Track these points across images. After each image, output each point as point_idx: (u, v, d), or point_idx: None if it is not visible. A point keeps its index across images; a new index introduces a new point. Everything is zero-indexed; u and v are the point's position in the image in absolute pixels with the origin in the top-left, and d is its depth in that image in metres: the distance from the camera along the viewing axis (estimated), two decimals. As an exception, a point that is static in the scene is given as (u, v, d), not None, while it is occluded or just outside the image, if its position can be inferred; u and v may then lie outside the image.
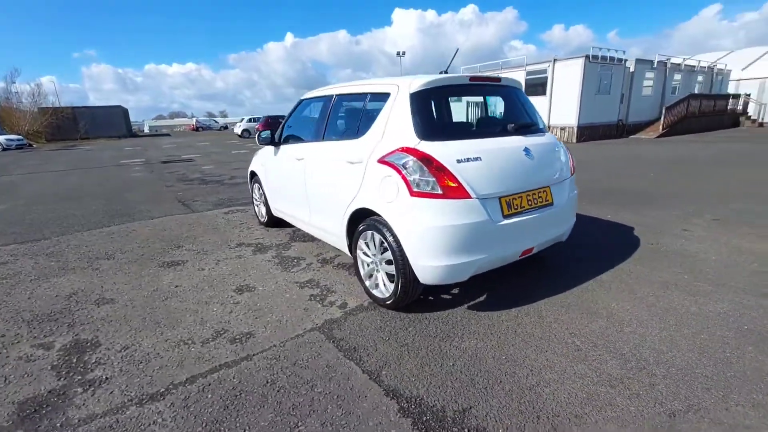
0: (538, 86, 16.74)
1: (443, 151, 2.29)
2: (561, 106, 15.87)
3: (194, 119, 51.37)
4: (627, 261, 3.38)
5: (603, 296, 2.77)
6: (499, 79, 2.89)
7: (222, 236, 4.46)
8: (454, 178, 2.23)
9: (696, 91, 20.08)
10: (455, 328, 2.42)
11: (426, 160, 2.26)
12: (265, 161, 4.27)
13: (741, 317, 2.44)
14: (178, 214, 5.61)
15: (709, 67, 21.57)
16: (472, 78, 2.70)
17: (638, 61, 17.17)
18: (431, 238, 2.25)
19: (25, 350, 2.33)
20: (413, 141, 2.35)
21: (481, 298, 2.79)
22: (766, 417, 1.67)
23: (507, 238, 2.45)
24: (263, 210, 4.66)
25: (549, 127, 16.46)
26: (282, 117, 24.64)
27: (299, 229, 4.58)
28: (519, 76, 17.22)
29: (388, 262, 2.54)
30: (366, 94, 2.89)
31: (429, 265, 2.29)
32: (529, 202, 2.57)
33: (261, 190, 4.53)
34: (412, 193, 2.27)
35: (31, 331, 2.54)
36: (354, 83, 3.14)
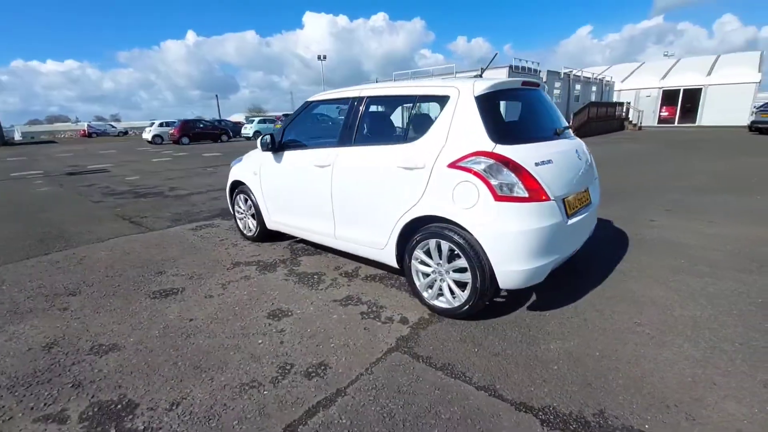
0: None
1: (521, 154, 2.27)
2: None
3: (86, 124, 44.62)
4: (629, 251, 3.72)
5: (635, 285, 3.00)
6: (538, 84, 2.97)
7: (207, 256, 3.90)
8: (535, 181, 2.23)
9: (592, 99, 23.24)
10: (532, 331, 2.42)
11: (508, 163, 2.22)
12: (259, 169, 3.84)
13: (750, 292, 2.84)
14: (132, 233, 4.78)
15: (599, 78, 25.11)
16: (524, 82, 2.74)
17: (549, 72, 19.30)
18: (518, 242, 2.21)
19: (28, 428, 1.75)
20: (488, 145, 2.29)
21: (533, 299, 2.84)
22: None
23: (571, 238, 2.53)
24: (251, 223, 4.20)
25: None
26: (201, 121, 22.79)
27: (297, 242, 4.22)
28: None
29: (458, 270, 2.44)
30: (413, 96, 2.75)
31: (514, 269, 2.25)
32: (579, 202, 2.68)
33: (250, 201, 4.07)
34: (497, 198, 2.21)
35: (21, 401, 1.92)
36: (391, 85, 2.98)
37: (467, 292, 2.42)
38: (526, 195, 2.19)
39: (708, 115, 26.95)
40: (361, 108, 2.99)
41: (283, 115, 19.80)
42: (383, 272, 3.36)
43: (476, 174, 2.25)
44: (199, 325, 2.58)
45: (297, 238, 4.37)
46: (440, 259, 2.51)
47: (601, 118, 22.58)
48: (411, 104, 2.78)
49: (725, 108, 25.92)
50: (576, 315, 2.59)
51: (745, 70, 26.32)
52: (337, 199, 3.07)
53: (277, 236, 4.40)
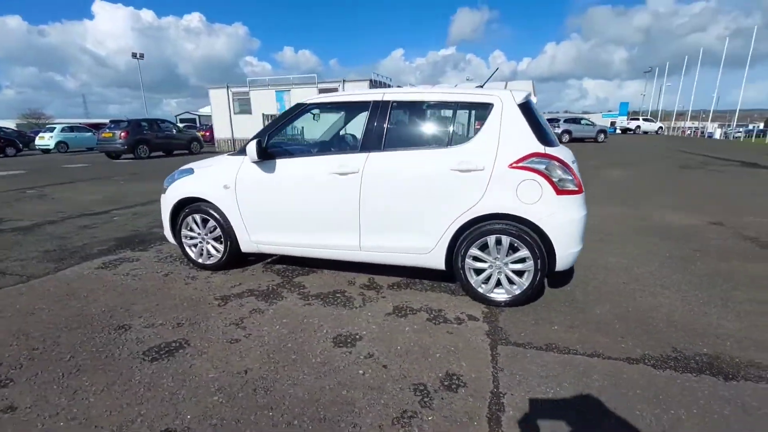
0: (332, 103, 18.22)
1: (563, 154, 2.67)
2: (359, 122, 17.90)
3: None
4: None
5: (592, 255, 3.82)
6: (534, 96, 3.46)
7: (169, 296, 3.04)
8: (578, 177, 2.66)
9: (429, 113, 26.97)
10: (574, 303, 2.84)
11: (561, 162, 2.59)
12: (234, 182, 3.21)
13: (660, 251, 4.00)
14: (9, 285, 3.27)
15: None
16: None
17: (398, 87, 21.51)
18: (574, 228, 2.60)
19: None
20: (539, 147, 2.61)
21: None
22: None
23: (583, 224, 3.09)
24: (213, 248, 3.47)
25: (346, 140, 18.31)
26: (144, 120, 16.53)
27: (269, 263, 3.70)
28: (311, 93, 18.22)
29: (517, 261, 2.68)
30: (450, 102, 2.83)
31: (571, 252, 2.63)
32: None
33: (214, 222, 3.36)
34: (558, 192, 2.55)
35: None
36: (420, 90, 2.96)
37: (527, 279, 2.68)
38: (576, 189, 2.61)
39: (424, 128, 34.89)
40: (387, 112, 2.91)
41: (111, 122, 16.09)
42: (401, 279, 3.32)
43: (539, 173, 2.55)
44: (265, 375, 2.07)
45: (269, 259, 3.83)
46: (498, 253, 2.71)
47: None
48: (444, 110, 2.88)
49: (433, 123, 34.01)
50: (587, 284, 3.17)
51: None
52: (366, 207, 2.89)
53: (247, 261, 3.78)
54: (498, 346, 2.32)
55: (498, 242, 2.68)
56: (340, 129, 3.90)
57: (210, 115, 34.59)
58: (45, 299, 3.01)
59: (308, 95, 18.14)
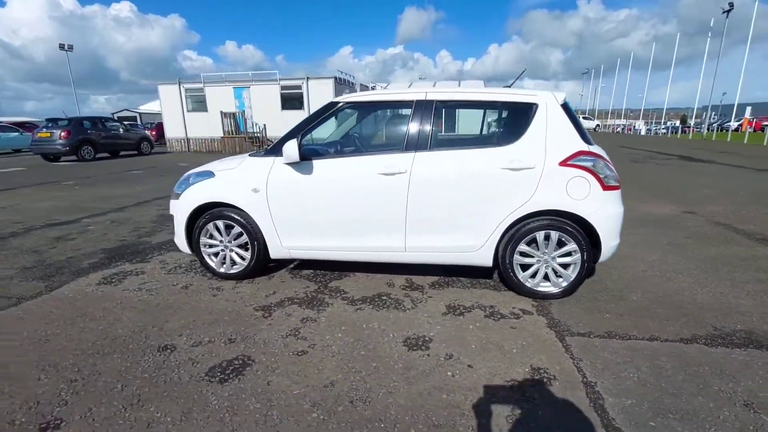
0: (295, 101, 17.74)
1: (603, 152, 2.82)
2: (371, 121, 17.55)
3: None
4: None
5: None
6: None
7: (207, 310, 2.81)
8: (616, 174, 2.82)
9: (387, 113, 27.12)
10: (610, 292, 3.02)
11: (605, 160, 2.73)
12: (265, 185, 3.03)
13: (660, 238, 4.36)
14: (0, 309, 2.84)
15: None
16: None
17: (361, 85, 21.37)
18: (617, 221, 2.76)
19: None
20: (584, 145, 2.73)
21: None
22: None
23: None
24: (239, 255, 3.26)
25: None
26: (86, 119, 13.97)
27: (295, 269, 3.55)
28: (273, 91, 17.62)
29: (564, 255, 2.80)
30: (495, 102, 2.86)
31: (614, 244, 2.79)
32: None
33: (240, 228, 3.15)
34: (604, 188, 2.68)
35: None
36: (462, 89, 2.97)
37: (574, 271, 2.81)
38: (617, 184, 2.77)
39: (461, 127, 35.91)
40: (431, 111, 2.89)
41: (48, 120, 14.40)
42: (438, 278, 3.32)
43: (588, 170, 2.67)
44: (354, 386, 1.99)
45: (291, 265, 3.67)
46: (546, 248, 2.81)
47: (399, 128, 26.73)
48: (485, 110, 2.91)
49: (472, 122, 35.14)
50: (611, 273, 3.38)
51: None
52: (414, 207, 2.86)
53: (271, 267, 3.58)
54: (565, 338, 2.41)
55: (546, 237, 2.78)
56: (376, 128, 3.81)
57: (154, 113, 32.26)
58: (53, 323, 2.65)
59: (269, 93, 17.57)
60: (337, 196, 2.98)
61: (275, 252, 3.21)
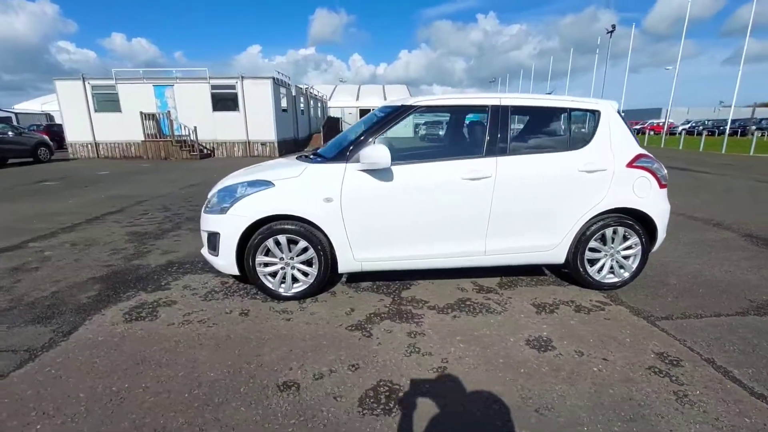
0: (229, 101, 16.42)
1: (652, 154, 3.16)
2: (258, 122, 16.48)
3: None
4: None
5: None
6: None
7: (296, 337, 2.51)
8: (665, 173, 3.19)
9: (319, 116, 26.59)
10: (653, 276, 3.40)
11: (659, 162, 3.06)
12: (339, 194, 2.79)
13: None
14: (17, 368, 2.16)
15: (322, 96, 28.93)
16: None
17: (297, 87, 20.60)
18: (668, 216, 3.12)
19: None
20: (640, 149, 3.04)
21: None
22: None
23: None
24: (301, 273, 2.97)
25: (249, 142, 16.80)
26: None
27: (352, 280, 3.36)
28: (203, 90, 16.12)
29: (627, 248, 3.08)
30: (565, 108, 3.01)
31: (664, 236, 3.15)
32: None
33: (315, 240, 2.86)
34: (661, 186, 3.02)
35: None
36: (532, 96, 3.03)
37: (634, 262, 3.11)
38: (666, 183, 3.13)
39: (390, 130, 36.66)
40: (507, 117, 2.95)
41: None
42: (500, 278, 3.40)
43: (649, 170, 2.98)
44: (524, 395, 1.96)
45: (342, 279, 3.43)
46: (613, 243, 3.06)
47: (335, 131, 26.38)
48: (555, 117, 3.07)
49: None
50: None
51: (403, 97, 37.49)
52: (497, 211, 2.90)
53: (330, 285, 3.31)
54: (656, 323, 2.66)
55: (614, 233, 3.04)
56: (447, 132, 3.71)
57: (34, 113, 27.16)
58: (109, 375, 2.13)
59: (198, 92, 16.14)
60: (420, 203, 2.89)
61: (345, 266, 2.98)
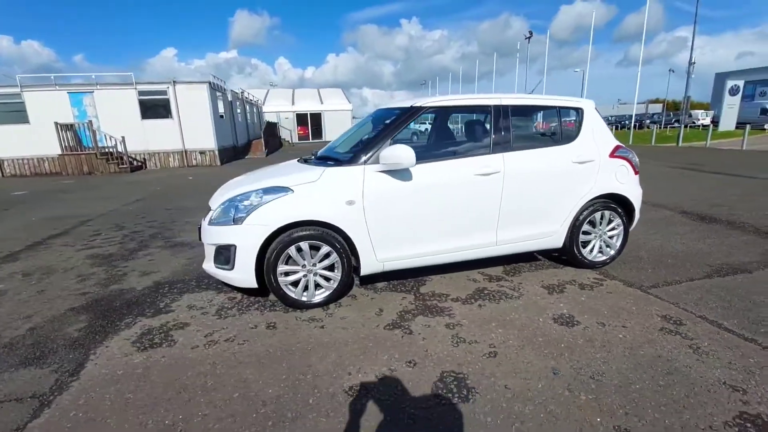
0: (160, 108, 15.13)
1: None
2: (195, 130, 15.40)
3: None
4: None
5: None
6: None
7: (337, 344, 2.47)
8: (634, 161, 3.64)
9: (255, 121, 25.59)
10: (643, 256, 3.86)
11: (632, 151, 3.49)
12: (361, 195, 2.80)
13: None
14: (41, 415, 1.86)
15: (257, 100, 27.81)
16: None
17: (232, 92, 19.59)
18: (641, 198, 3.57)
19: None
20: (616, 141, 3.44)
21: (581, 243, 4.25)
22: (672, 230, 4.72)
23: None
24: (324, 278, 2.93)
25: (185, 151, 15.67)
26: None
27: (367, 281, 3.38)
28: (128, 96, 14.70)
29: (612, 229, 3.47)
30: (555, 107, 3.30)
31: (638, 217, 3.59)
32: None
33: (337, 244, 2.83)
34: (635, 173, 3.45)
35: None
36: (526, 96, 3.27)
37: (618, 241, 3.51)
38: (639, 170, 3.57)
39: (329, 133, 36.32)
40: (508, 115, 3.17)
41: None
42: (504, 267, 3.64)
43: (627, 159, 3.39)
44: (578, 367, 2.15)
45: (356, 281, 3.42)
46: (601, 225, 3.43)
47: (274, 137, 25.52)
48: (547, 114, 3.36)
49: (337, 128, 35.93)
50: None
51: (341, 101, 37.48)
52: (507, 203, 3.11)
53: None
54: (648, 291, 3.05)
55: (601, 216, 3.41)
56: (451, 131, 3.80)
57: None
58: (153, 410, 1.94)
59: (123, 99, 14.86)
60: (437, 200, 2.99)
61: (368, 267, 2.99)
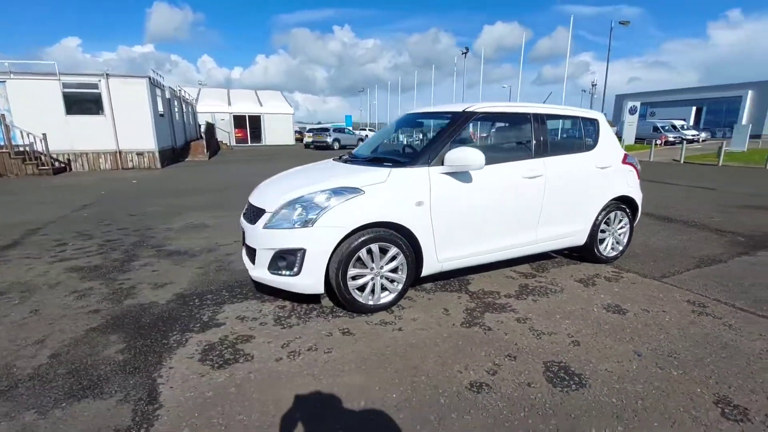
0: (89, 103, 13.36)
1: (627, 153, 4.06)
2: (131, 129, 13.83)
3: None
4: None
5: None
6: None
7: (424, 344, 2.47)
8: (634, 167, 4.13)
9: (190, 121, 23.80)
10: (640, 253, 4.34)
11: (635, 158, 3.97)
12: (428, 196, 2.83)
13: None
14: None
15: (188, 98, 25.83)
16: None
17: (170, 88, 17.99)
18: (641, 199, 4.07)
19: None
20: (624, 150, 3.89)
21: (581, 242, 4.68)
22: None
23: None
24: (389, 281, 2.91)
25: (120, 152, 14.09)
26: None
27: (419, 287, 3.41)
28: (50, 88, 12.80)
29: (622, 227, 3.91)
30: (578, 117, 3.63)
31: (639, 216, 4.09)
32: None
33: (404, 246, 2.82)
34: (638, 178, 3.93)
35: None
36: (555, 107, 3.54)
37: (625, 237, 3.96)
38: (640, 175, 4.07)
39: (269, 137, 34.97)
40: (544, 123, 3.43)
41: None
42: (527, 265, 3.89)
43: (633, 166, 3.86)
44: (656, 347, 2.41)
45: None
46: (614, 224, 3.85)
47: (212, 139, 23.88)
48: (572, 123, 3.69)
49: (277, 132, 34.78)
50: (603, 240, 4.77)
51: (281, 104, 36.32)
52: (547, 204, 3.35)
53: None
54: (662, 280, 3.49)
55: (615, 216, 3.83)
56: (495, 136, 3.91)
57: None
58: (274, 429, 1.78)
59: (43, 91, 13.18)
60: (493, 201, 3.14)
61: (429, 268, 3.02)
